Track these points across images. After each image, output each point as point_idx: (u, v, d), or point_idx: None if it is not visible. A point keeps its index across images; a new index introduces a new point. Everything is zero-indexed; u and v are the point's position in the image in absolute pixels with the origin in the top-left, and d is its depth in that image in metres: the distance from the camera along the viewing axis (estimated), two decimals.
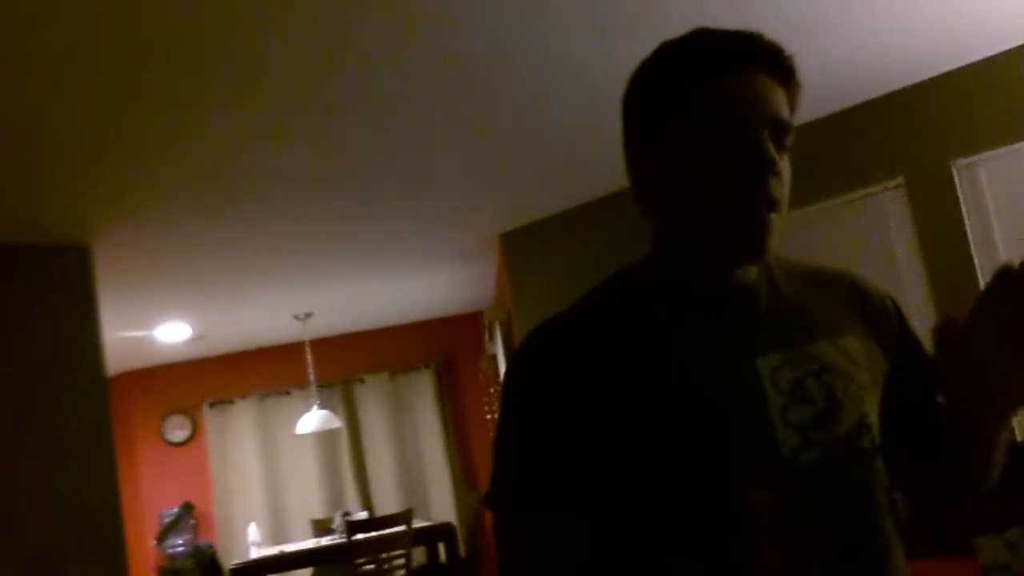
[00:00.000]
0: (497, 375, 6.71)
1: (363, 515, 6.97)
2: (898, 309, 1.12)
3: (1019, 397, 0.98)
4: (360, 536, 5.93)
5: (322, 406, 6.62)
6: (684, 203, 0.98)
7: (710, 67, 0.96)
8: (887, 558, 0.99)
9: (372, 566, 5.88)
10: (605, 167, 4.12)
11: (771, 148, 0.95)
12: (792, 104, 1.00)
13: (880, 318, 1.09)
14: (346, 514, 6.77)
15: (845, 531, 0.96)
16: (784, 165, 0.97)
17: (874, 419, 1.02)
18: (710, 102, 0.95)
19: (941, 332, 0.99)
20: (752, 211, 0.94)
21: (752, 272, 1.04)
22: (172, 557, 7.16)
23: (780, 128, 0.97)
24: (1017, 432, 3.50)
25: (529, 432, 1.00)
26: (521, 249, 5.05)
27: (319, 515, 7.34)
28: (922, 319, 3.67)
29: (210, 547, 7.30)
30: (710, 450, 0.94)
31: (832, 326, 1.04)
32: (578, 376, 0.98)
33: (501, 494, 1.01)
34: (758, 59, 0.97)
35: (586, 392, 0.97)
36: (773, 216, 0.96)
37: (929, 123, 3.71)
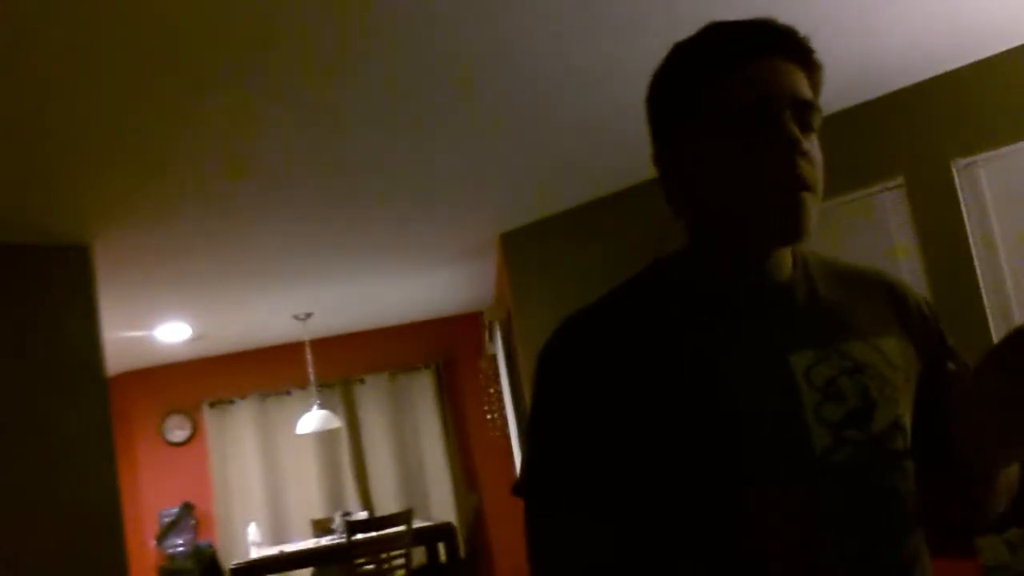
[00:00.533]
0: (497, 375, 6.71)
1: (363, 515, 6.97)
2: (935, 314, 1.11)
3: (1018, 450, 0.96)
4: (360, 536, 5.93)
5: (322, 406, 6.62)
6: (717, 195, 0.98)
7: (723, 60, 0.96)
8: (914, 560, 0.99)
9: (372, 566, 5.88)
10: (605, 167, 4.12)
11: (794, 128, 0.94)
12: (815, 86, 0.99)
13: (915, 321, 1.08)
14: (346, 514, 6.76)
15: (873, 532, 0.96)
16: (812, 145, 0.96)
17: (907, 421, 1.01)
18: (727, 95, 0.95)
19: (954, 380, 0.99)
20: (784, 191, 0.93)
21: (788, 269, 1.03)
22: (172, 557, 7.16)
23: (803, 108, 0.96)
24: None
25: (559, 423, 1.00)
26: (521, 249, 5.04)
27: (319, 515, 7.34)
28: None
29: (210, 547, 7.30)
30: (740, 445, 0.94)
31: (869, 326, 1.03)
32: (609, 369, 0.97)
33: (529, 483, 1.01)
34: (771, 45, 0.97)
35: (617, 385, 0.96)
36: (807, 195, 0.94)
37: (929, 123, 3.71)
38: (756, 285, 1.01)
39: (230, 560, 6.89)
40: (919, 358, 1.06)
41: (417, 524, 6.31)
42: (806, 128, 0.96)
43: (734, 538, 0.94)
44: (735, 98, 0.95)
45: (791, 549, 0.93)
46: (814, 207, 0.95)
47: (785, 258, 1.03)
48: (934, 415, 1.05)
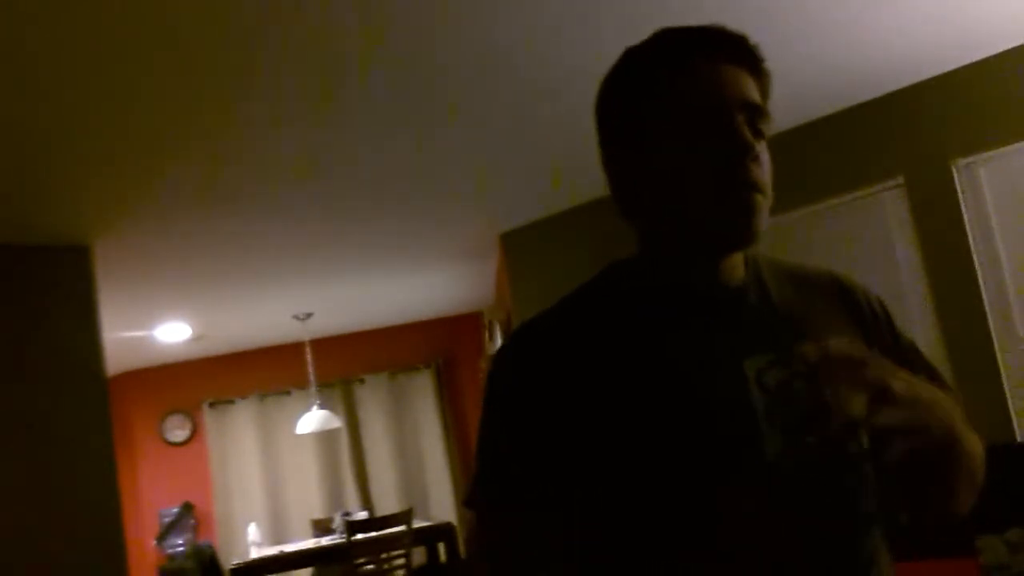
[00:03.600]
0: None
1: (363, 515, 6.96)
2: (887, 313, 1.11)
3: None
4: (360, 536, 5.93)
5: (322, 406, 6.62)
6: (667, 198, 0.98)
7: (676, 63, 0.97)
8: (872, 561, 0.99)
9: (372, 566, 5.88)
10: None
11: (747, 133, 0.95)
12: (764, 93, 1.00)
13: (868, 321, 1.08)
14: (346, 514, 6.76)
15: (827, 533, 0.96)
16: (762, 150, 0.97)
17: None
18: (678, 99, 0.96)
19: None
20: (736, 194, 0.94)
21: (740, 273, 1.03)
22: (172, 557, 7.16)
23: (754, 112, 0.97)
24: (1017, 431, 3.50)
25: (509, 431, 1.00)
26: (521, 249, 5.04)
27: (319, 515, 7.34)
28: (922, 319, 3.67)
29: (210, 547, 7.29)
30: (691, 451, 0.94)
31: (822, 329, 1.02)
32: (560, 377, 0.97)
33: (480, 493, 1.01)
34: (722, 49, 0.97)
35: (568, 393, 0.96)
36: (758, 197, 0.95)
37: (929, 123, 3.70)
38: (709, 289, 1.01)
39: (230, 560, 6.88)
40: None
41: (417, 524, 6.30)
42: (757, 133, 0.97)
43: (690, 542, 0.94)
44: (686, 101, 0.95)
45: (748, 551, 0.93)
46: (765, 210, 0.96)
47: (737, 262, 1.03)
48: None
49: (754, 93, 0.98)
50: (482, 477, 1.02)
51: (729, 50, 0.98)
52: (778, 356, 0.98)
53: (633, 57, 1.02)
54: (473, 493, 1.02)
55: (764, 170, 0.96)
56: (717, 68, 0.96)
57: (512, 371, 1.02)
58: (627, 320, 1.01)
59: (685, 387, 0.96)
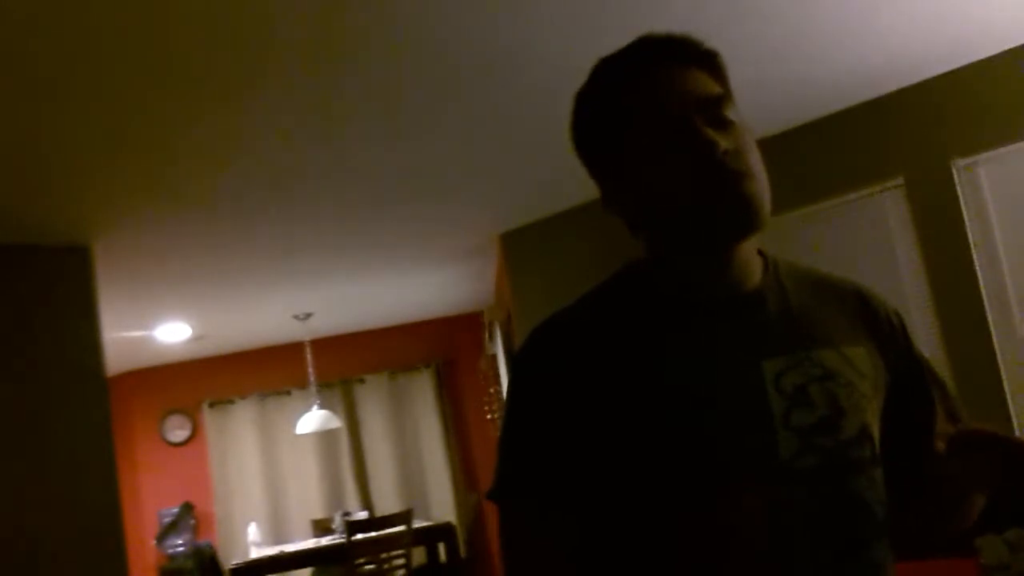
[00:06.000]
0: (497, 375, 6.71)
1: (363, 515, 6.97)
2: (903, 326, 1.11)
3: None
4: (360, 536, 5.93)
5: (322, 406, 6.62)
6: (657, 215, 0.99)
7: (620, 86, 0.99)
8: (880, 566, 0.99)
9: (372, 566, 5.89)
10: None
11: (706, 131, 0.94)
12: (718, 76, 1.00)
13: (884, 331, 1.08)
14: (346, 514, 6.77)
15: (839, 538, 0.96)
16: (734, 136, 0.96)
17: (876, 429, 1.02)
18: (635, 116, 0.97)
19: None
20: (721, 189, 0.94)
21: (758, 276, 1.04)
22: (172, 557, 7.16)
23: (710, 105, 0.97)
24: (1017, 431, 3.50)
25: (531, 428, 1.01)
26: (521, 249, 5.04)
27: (319, 515, 7.34)
28: (923, 319, 3.67)
29: (210, 547, 7.30)
30: (708, 451, 0.94)
31: (838, 335, 1.03)
32: (581, 375, 0.98)
33: (501, 488, 1.02)
34: (661, 56, 0.99)
35: (588, 391, 0.97)
36: (746, 181, 0.95)
37: (929, 123, 3.70)
38: (726, 291, 1.02)
39: (230, 560, 6.89)
40: (887, 369, 1.06)
41: (417, 524, 6.31)
42: (721, 123, 0.97)
43: (703, 540, 0.94)
44: (643, 119, 0.97)
45: (758, 552, 0.94)
46: (759, 191, 0.96)
47: (754, 265, 1.04)
48: (904, 427, 1.06)
49: (708, 86, 0.98)
50: (503, 472, 1.02)
51: (669, 53, 0.99)
52: (796, 359, 0.98)
53: (582, 97, 1.05)
54: (496, 487, 1.03)
55: (745, 154, 0.96)
56: (663, 75, 0.97)
57: (534, 369, 1.03)
58: (646, 319, 1.01)
59: (702, 386, 0.96)
